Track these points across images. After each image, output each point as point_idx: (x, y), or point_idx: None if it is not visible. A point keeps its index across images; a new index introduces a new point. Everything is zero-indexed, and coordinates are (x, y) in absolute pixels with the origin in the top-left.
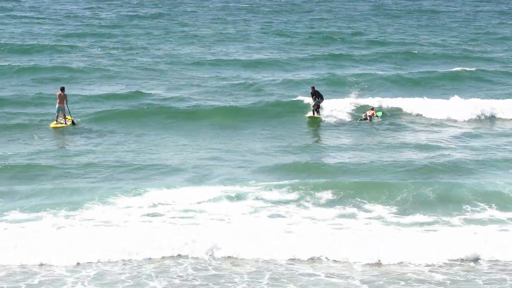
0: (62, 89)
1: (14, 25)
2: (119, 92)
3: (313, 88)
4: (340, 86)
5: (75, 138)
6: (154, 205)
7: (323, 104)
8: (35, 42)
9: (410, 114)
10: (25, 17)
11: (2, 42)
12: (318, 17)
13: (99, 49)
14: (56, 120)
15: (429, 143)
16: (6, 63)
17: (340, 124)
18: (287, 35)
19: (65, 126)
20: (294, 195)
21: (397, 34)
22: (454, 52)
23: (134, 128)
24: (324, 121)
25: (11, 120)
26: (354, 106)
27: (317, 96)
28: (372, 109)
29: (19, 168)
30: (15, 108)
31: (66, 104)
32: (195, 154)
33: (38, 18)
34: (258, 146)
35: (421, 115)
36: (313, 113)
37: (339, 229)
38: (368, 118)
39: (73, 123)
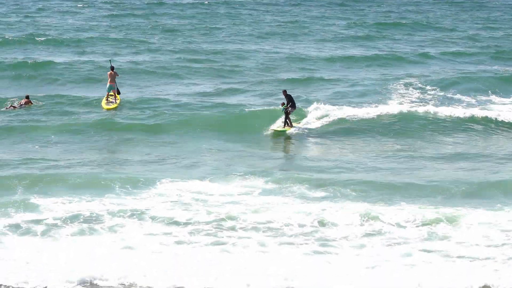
0: (112, 68)
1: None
2: (183, 91)
3: (284, 92)
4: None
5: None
6: None
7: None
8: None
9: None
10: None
11: (58, 35)
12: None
13: (164, 45)
14: (107, 99)
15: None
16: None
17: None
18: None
19: (117, 107)
20: None
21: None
22: None
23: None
24: (291, 135)
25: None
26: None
27: (289, 102)
28: None
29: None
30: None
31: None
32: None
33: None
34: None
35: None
36: (284, 125)
37: None
38: None
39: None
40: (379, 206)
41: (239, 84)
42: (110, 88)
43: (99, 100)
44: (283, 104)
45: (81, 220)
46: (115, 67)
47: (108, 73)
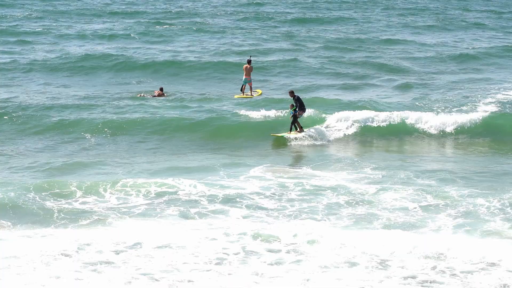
0: (249, 62)
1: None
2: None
3: (291, 92)
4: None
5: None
6: None
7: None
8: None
9: None
10: None
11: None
12: None
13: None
14: (242, 92)
15: None
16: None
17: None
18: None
19: (251, 97)
20: None
21: None
22: None
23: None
24: (299, 139)
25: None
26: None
27: (297, 104)
28: None
29: None
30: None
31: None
32: None
33: None
34: None
35: None
36: (290, 129)
37: None
38: None
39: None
40: None
41: (362, 79)
42: (245, 81)
43: (224, 95)
44: (292, 106)
45: (180, 201)
46: (251, 60)
47: (244, 66)
